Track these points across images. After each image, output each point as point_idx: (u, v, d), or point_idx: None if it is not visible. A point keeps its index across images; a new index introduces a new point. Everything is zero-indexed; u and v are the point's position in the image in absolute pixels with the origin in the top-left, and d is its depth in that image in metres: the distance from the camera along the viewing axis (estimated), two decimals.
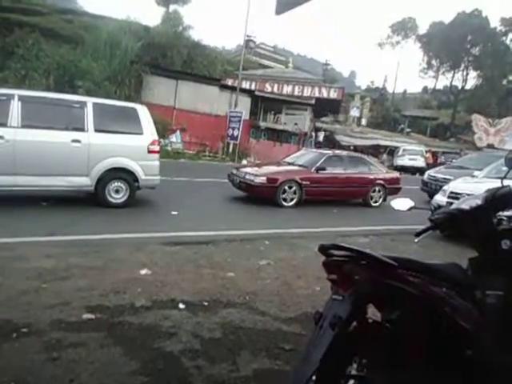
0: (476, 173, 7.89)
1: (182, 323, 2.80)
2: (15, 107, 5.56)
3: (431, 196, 8.80)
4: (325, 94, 21.86)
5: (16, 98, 5.61)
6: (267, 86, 21.84)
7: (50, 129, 5.87)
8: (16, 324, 2.56)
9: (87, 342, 2.44)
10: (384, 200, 9.42)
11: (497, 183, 1.98)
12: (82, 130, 6.02)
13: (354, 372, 1.69)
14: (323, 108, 23.57)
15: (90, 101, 6.29)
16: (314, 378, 1.55)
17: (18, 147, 5.56)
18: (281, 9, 2.55)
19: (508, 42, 38.96)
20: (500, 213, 1.93)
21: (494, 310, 1.73)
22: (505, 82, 39.58)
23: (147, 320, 2.80)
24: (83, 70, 15.36)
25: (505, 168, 2.11)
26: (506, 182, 1.95)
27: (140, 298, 3.13)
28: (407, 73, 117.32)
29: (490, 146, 28.54)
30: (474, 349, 1.67)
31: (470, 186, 6.25)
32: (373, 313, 1.81)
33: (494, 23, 38.87)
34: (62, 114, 6.03)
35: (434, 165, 20.02)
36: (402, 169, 20.30)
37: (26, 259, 3.73)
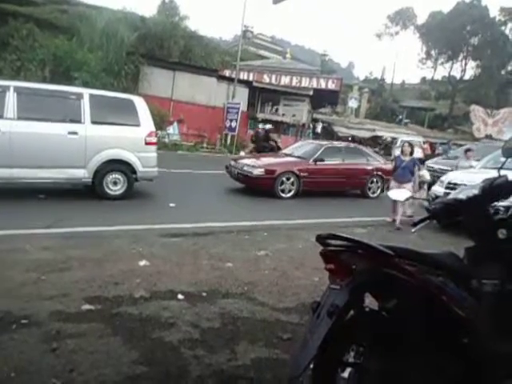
0: (473, 163, 7.91)
1: (180, 313, 2.82)
2: (11, 99, 5.51)
3: (429, 187, 8.80)
4: (323, 85, 21.67)
5: (12, 89, 5.55)
6: (265, 76, 21.63)
7: (46, 121, 5.83)
8: (16, 315, 2.57)
9: (87, 333, 2.46)
10: (382, 191, 9.44)
11: (494, 173, 1.99)
12: (78, 121, 5.97)
13: (351, 360, 1.72)
14: (321, 99, 23.43)
15: (87, 92, 6.23)
16: (311, 365, 1.57)
17: (14, 139, 5.52)
18: None
19: (507, 31, 38.65)
20: (496, 203, 1.94)
21: (489, 299, 1.74)
22: (503, 72, 39.33)
23: (146, 310, 2.82)
24: (79, 61, 15.17)
25: (502, 158, 2.11)
26: (503, 172, 1.96)
27: (139, 288, 3.15)
28: (405, 63, 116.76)
29: (489, 137, 28.44)
30: (470, 337, 1.69)
31: (468, 177, 6.26)
32: (370, 302, 1.83)
33: (494, 13, 38.55)
34: (59, 106, 5.98)
35: (432, 156, 19.97)
36: None
37: (25, 251, 3.73)
